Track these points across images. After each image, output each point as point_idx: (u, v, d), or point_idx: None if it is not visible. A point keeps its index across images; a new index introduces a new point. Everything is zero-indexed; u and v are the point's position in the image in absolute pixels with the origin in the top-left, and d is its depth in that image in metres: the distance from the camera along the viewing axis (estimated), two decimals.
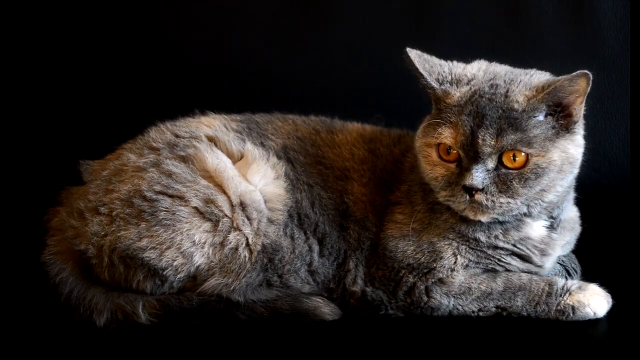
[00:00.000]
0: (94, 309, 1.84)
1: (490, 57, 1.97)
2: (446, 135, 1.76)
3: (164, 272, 1.84)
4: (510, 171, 1.74)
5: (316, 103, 2.21)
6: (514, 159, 1.74)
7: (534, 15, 2.60)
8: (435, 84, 1.81)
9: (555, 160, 1.75)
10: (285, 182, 1.93)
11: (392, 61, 2.67)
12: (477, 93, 1.77)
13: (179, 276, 1.85)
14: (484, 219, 1.80)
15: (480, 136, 1.72)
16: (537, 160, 1.74)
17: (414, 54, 1.84)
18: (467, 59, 1.93)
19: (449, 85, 1.81)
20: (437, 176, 1.80)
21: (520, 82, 1.79)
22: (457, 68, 1.86)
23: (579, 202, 2.00)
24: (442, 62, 1.87)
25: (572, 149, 1.78)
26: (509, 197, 1.75)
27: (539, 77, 1.82)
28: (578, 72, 1.71)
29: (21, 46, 2.67)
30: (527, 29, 2.62)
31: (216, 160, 1.89)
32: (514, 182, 1.74)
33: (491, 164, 1.74)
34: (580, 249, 2.05)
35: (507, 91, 1.76)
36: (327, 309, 1.87)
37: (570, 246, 2.00)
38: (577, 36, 2.58)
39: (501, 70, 1.85)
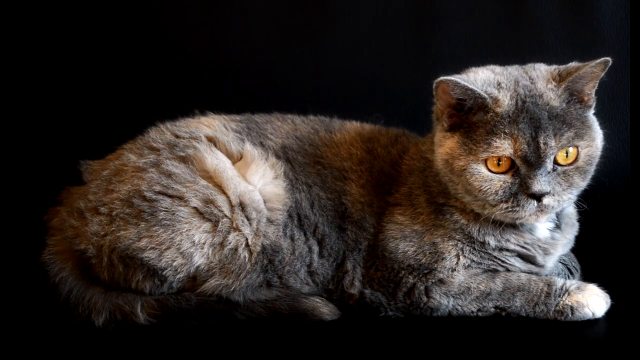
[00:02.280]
0: (93, 309, 1.84)
1: (491, 57, 1.97)
2: (505, 148, 1.72)
3: (164, 273, 1.84)
4: (567, 167, 1.75)
5: (316, 102, 2.21)
6: (567, 155, 1.74)
7: (534, 14, 2.60)
8: (485, 94, 1.74)
9: (599, 145, 1.79)
10: (285, 182, 1.93)
11: (392, 61, 2.70)
12: (519, 99, 1.74)
13: (178, 276, 1.85)
14: (543, 219, 1.82)
15: (541, 141, 1.71)
16: (588, 151, 1.77)
17: (452, 78, 1.73)
18: (467, 58, 1.93)
19: (488, 91, 1.75)
20: (496, 190, 1.75)
21: (537, 77, 1.79)
22: (472, 77, 1.81)
23: (578, 202, 1.99)
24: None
25: (598, 127, 1.82)
26: (570, 192, 1.77)
27: (540, 67, 1.84)
28: (600, 60, 1.74)
29: (21, 46, 2.67)
30: (527, 28, 2.61)
31: (215, 160, 1.89)
32: (574, 177, 1.76)
33: (550, 165, 1.73)
34: (580, 249, 2.05)
35: (538, 90, 1.76)
36: (325, 309, 1.88)
37: (570, 244, 1.99)
38: (577, 36, 2.58)
39: (510, 70, 1.84)
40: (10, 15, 2.67)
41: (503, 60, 1.94)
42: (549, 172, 1.73)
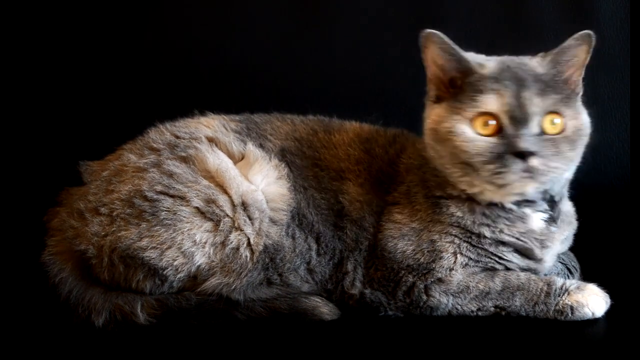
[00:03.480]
0: (93, 309, 1.84)
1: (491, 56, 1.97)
2: (489, 102, 1.73)
3: (164, 272, 1.84)
4: (555, 136, 1.74)
5: (316, 102, 2.21)
6: (554, 123, 1.74)
7: (534, 14, 2.61)
8: (469, 57, 1.79)
9: (585, 123, 1.79)
10: (289, 183, 1.94)
11: (392, 61, 2.70)
12: (505, 64, 1.78)
13: (179, 276, 1.85)
14: (531, 188, 1.78)
15: (526, 96, 1.71)
16: (575, 123, 1.76)
17: (440, 34, 1.79)
18: None
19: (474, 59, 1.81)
20: (481, 150, 1.73)
21: (525, 58, 1.83)
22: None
23: (578, 202, 2.00)
24: None
25: (586, 115, 1.82)
26: (559, 161, 1.74)
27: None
28: (583, 32, 1.76)
29: (21, 46, 2.68)
30: (527, 28, 2.62)
31: (217, 160, 1.90)
32: (562, 145, 1.74)
33: (536, 128, 1.72)
34: (580, 249, 2.05)
35: (523, 61, 1.80)
36: (325, 309, 1.88)
37: (569, 242, 1.99)
38: None
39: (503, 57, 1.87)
40: (10, 15, 2.67)
41: None
42: (535, 134, 1.73)
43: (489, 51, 2.60)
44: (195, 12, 2.72)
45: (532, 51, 2.55)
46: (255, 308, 1.87)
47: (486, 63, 1.80)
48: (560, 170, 1.77)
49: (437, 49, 1.79)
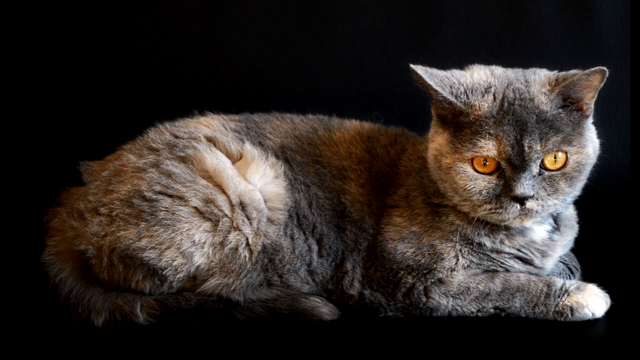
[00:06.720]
0: (92, 309, 1.84)
1: (491, 57, 1.97)
2: (489, 148, 1.72)
3: (164, 272, 1.84)
4: (554, 172, 1.74)
5: (315, 102, 2.21)
6: (555, 160, 1.73)
7: (534, 15, 2.60)
8: (452, 98, 1.75)
9: (590, 153, 1.78)
10: (285, 181, 1.93)
11: (392, 61, 2.70)
12: (506, 101, 1.74)
13: (178, 276, 1.85)
14: (529, 223, 1.81)
15: (526, 144, 1.70)
16: (577, 158, 1.75)
17: (421, 70, 1.76)
18: (467, 58, 1.93)
19: (466, 96, 1.76)
20: (480, 190, 1.75)
21: (533, 81, 1.78)
22: (463, 77, 1.81)
23: (578, 202, 2.00)
24: (446, 73, 1.82)
25: (594, 137, 1.81)
26: (556, 198, 1.76)
27: (540, 72, 1.82)
28: (595, 68, 1.72)
29: (21, 46, 2.68)
30: (527, 29, 2.61)
31: (215, 160, 1.90)
32: (560, 182, 1.75)
33: (535, 169, 1.73)
34: (580, 249, 2.05)
35: (530, 94, 1.75)
36: (325, 309, 1.88)
37: (570, 244, 1.99)
38: (577, 36, 2.58)
39: (508, 73, 1.83)
40: (10, 15, 2.67)
41: (503, 60, 1.94)
42: (534, 176, 1.73)
43: (488, 51, 2.61)
44: (194, 12, 2.72)
45: (532, 52, 2.57)
46: (254, 308, 1.87)
47: (476, 103, 1.75)
48: (557, 206, 1.78)
49: (427, 86, 1.76)
